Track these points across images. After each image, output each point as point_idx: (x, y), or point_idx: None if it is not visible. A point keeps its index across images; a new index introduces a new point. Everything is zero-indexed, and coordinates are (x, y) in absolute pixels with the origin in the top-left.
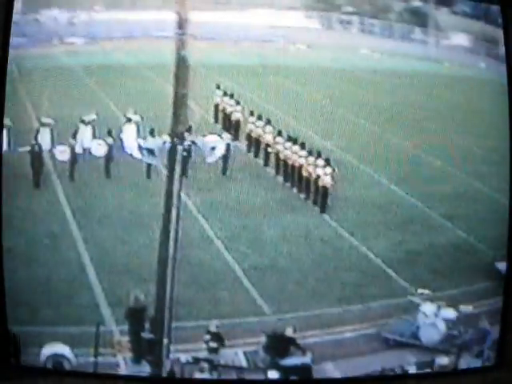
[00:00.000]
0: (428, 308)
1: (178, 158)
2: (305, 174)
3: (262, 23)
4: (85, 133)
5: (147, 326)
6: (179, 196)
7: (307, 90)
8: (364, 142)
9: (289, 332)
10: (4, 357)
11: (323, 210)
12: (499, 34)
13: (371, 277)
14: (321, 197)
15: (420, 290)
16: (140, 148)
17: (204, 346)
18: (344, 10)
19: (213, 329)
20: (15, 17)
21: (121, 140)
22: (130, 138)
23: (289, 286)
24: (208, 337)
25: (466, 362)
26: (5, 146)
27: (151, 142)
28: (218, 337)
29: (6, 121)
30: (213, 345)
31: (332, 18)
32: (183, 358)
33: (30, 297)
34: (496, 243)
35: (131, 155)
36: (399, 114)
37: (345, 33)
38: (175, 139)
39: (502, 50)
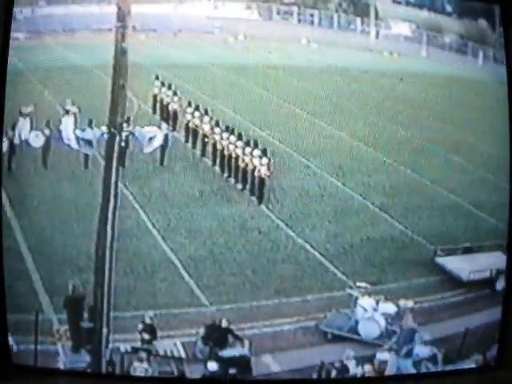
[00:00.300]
0: (367, 302)
1: (116, 148)
2: (241, 164)
3: (202, 14)
4: (23, 124)
5: (86, 315)
6: (116, 186)
7: (244, 81)
8: (301, 133)
9: (225, 323)
10: (4, 357)
11: (260, 200)
12: (445, 22)
13: (309, 269)
14: (257, 187)
15: (358, 284)
16: (77, 139)
17: (138, 336)
18: (284, 1)
19: (147, 320)
20: None
21: (59, 131)
22: (69, 129)
23: (226, 277)
24: (141, 327)
25: (395, 361)
26: None
27: (89, 133)
28: (151, 328)
29: None
30: (145, 336)
31: (272, 8)
32: (122, 347)
33: None
34: (436, 238)
35: (69, 146)
36: (336, 103)
37: (284, 24)
38: (113, 130)
39: (446, 38)
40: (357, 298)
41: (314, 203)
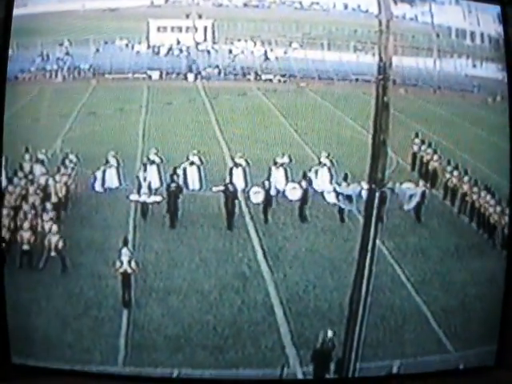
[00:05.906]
0: None
1: (376, 204)
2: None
3: (461, 72)
4: (277, 175)
5: (332, 366)
6: (374, 242)
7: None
8: None
9: None
10: (4, 357)
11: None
12: None
13: None
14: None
15: None
16: (336, 193)
17: None
18: None
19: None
20: None
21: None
22: (325, 182)
23: (471, 325)
24: None
25: None
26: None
27: (348, 188)
28: None
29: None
30: None
31: None
32: None
33: (211, 336)
34: None
35: (325, 199)
36: None
37: None
38: (373, 186)
39: None
40: None
41: None
